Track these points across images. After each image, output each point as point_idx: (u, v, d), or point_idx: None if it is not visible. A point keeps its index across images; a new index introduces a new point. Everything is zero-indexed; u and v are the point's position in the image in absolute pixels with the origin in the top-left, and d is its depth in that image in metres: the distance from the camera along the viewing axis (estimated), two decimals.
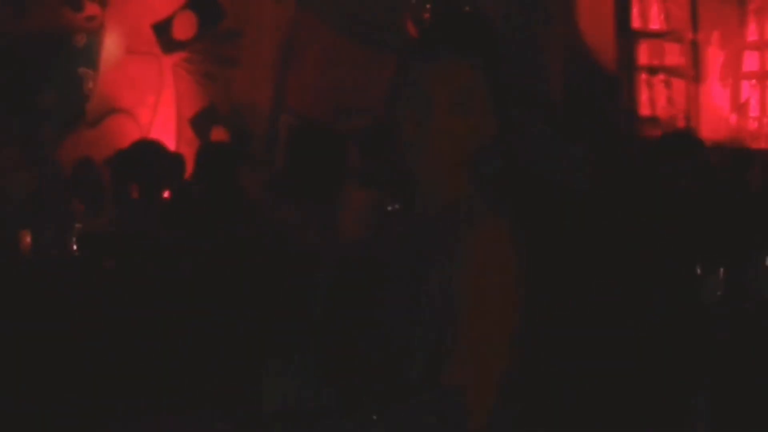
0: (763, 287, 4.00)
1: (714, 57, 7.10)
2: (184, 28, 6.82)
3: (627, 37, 6.91)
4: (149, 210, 4.29)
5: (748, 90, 7.06)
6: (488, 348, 2.18)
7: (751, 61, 7.09)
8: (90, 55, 6.77)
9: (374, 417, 2.04)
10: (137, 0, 6.72)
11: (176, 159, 5.22)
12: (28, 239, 4.61)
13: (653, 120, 6.89)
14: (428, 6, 7.26)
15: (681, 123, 6.97)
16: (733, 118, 7.07)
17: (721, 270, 3.90)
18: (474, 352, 2.17)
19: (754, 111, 7.06)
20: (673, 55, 7.02)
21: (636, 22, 6.99)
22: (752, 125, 7.00)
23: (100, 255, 4.19)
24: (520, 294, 2.22)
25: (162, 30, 6.77)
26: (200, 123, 6.83)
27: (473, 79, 2.28)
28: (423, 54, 2.36)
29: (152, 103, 6.79)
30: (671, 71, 7.03)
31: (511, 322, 2.20)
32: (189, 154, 5.27)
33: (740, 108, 7.05)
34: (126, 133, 6.58)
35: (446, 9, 6.79)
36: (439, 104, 2.27)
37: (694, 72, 7.05)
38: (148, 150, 4.63)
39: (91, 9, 6.76)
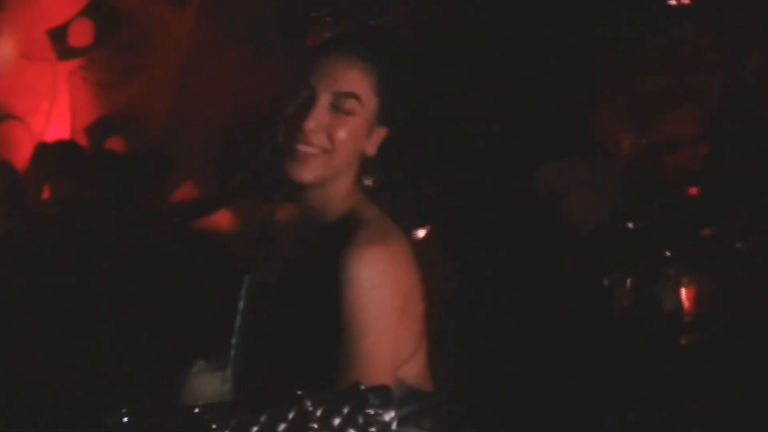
0: (668, 297, 4.07)
1: None
2: (81, 35, 6.69)
3: None
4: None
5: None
6: (373, 366, 2.17)
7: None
8: None
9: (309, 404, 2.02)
10: (32, 4, 6.57)
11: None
12: None
13: None
14: (328, 20, 7.26)
15: None
16: (627, 139, 7.19)
17: (629, 280, 3.96)
18: (359, 368, 2.16)
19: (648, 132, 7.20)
20: None
21: None
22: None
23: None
24: (416, 303, 2.21)
25: (58, 36, 6.62)
26: (95, 132, 6.71)
27: (362, 85, 2.26)
28: (314, 53, 2.36)
29: (46, 111, 6.65)
30: None
31: (393, 335, 2.19)
32: None
33: (636, 128, 7.17)
34: (18, 140, 6.43)
35: (349, 22, 6.81)
36: (321, 101, 2.25)
37: None
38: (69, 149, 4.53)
39: None
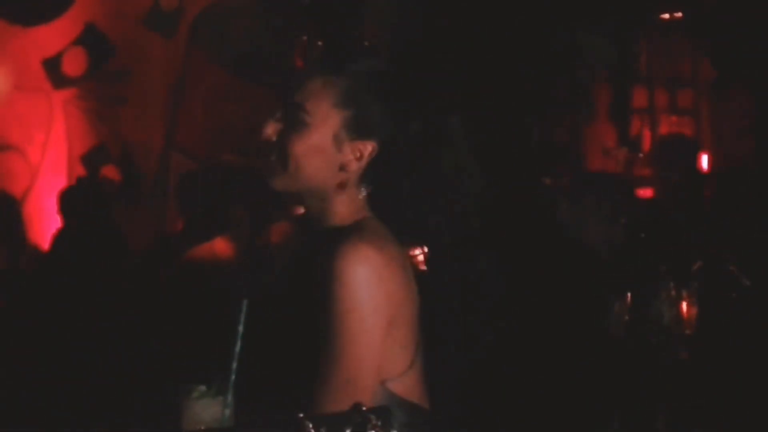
0: (666, 313, 4.06)
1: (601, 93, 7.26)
2: (75, 64, 6.71)
3: None
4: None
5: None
6: (356, 371, 2.17)
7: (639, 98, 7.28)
8: None
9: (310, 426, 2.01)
10: (25, 35, 6.58)
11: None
12: None
13: None
14: (319, 43, 7.27)
15: None
16: (621, 153, 7.22)
17: (629, 295, 3.95)
18: (341, 385, 2.16)
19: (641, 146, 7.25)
20: None
21: None
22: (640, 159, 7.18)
23: None
24: (410, 316, 2.21)
25: (52, 66, 6.64)
26: (92, 161, 6.72)
27: (316, 96, 2.27)
28: (306, 73, 2.37)
29: (42, 141, 6.65)
30: None
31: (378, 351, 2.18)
32: None
33: (629, 143, 7.21)
34: (15, 171, 6.44)
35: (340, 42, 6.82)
36: (278, 113, 2.27)
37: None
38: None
39: None
